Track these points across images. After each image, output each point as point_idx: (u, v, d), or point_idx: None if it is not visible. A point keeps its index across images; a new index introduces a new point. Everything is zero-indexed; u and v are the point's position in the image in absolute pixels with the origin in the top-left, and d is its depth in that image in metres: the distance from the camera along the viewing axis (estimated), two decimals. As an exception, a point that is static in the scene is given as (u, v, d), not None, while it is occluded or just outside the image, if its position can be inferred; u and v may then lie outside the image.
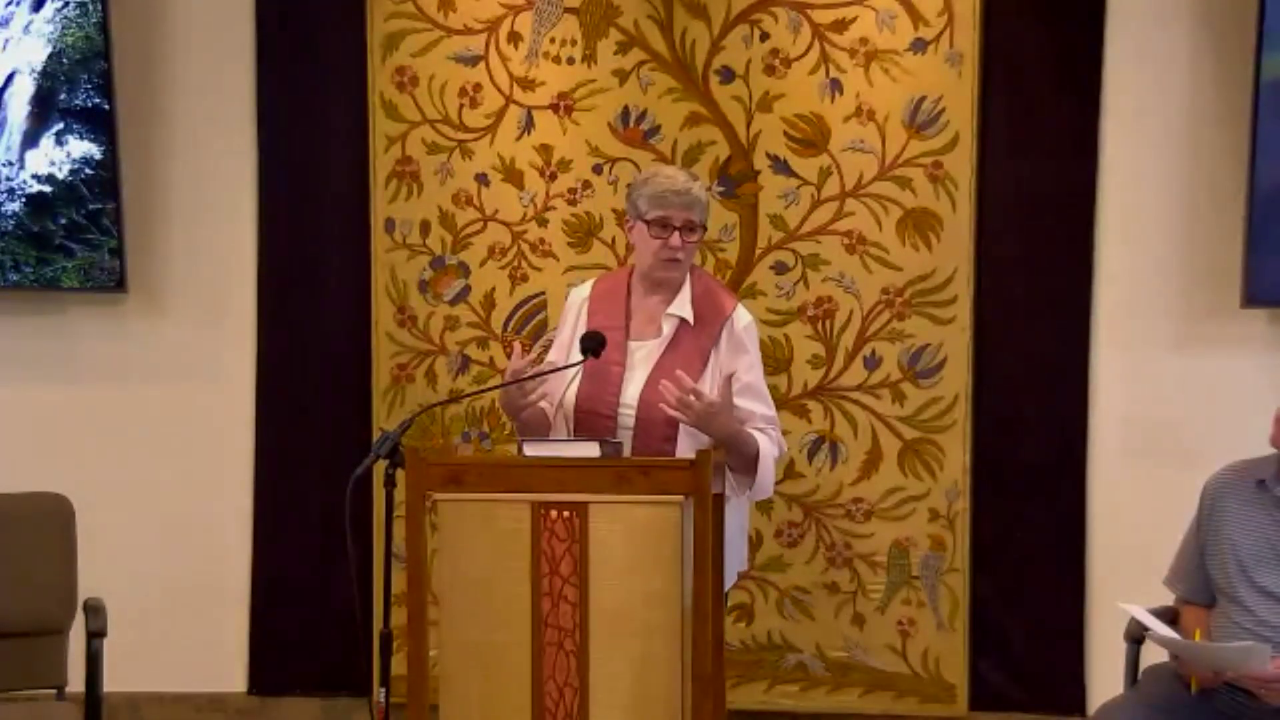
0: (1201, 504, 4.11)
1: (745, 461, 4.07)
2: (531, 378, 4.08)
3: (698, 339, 4.14)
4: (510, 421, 4.27)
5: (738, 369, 4.09)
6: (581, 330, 4.16)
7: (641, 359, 4.12)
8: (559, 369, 4.10)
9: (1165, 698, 3.95)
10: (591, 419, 4.07)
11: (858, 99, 5.19)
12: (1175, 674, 3.98)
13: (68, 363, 5.49)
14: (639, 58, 5.27)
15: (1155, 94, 5.14)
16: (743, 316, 4.21)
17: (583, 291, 4.29)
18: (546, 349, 4.41)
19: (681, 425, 4.03)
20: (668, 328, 4.15)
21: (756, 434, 4.10)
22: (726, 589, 4.11)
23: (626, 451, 4.02)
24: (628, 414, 4.08)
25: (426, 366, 5.40)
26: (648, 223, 4.12)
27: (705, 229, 4.23)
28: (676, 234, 4.11)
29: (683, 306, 4.15)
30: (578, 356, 4.09)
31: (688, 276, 4.19)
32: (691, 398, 3.93)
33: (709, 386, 4.07)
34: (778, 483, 5.22)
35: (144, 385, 5.48)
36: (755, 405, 4.13)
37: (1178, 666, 3.97)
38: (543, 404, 4.15)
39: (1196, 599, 4.10)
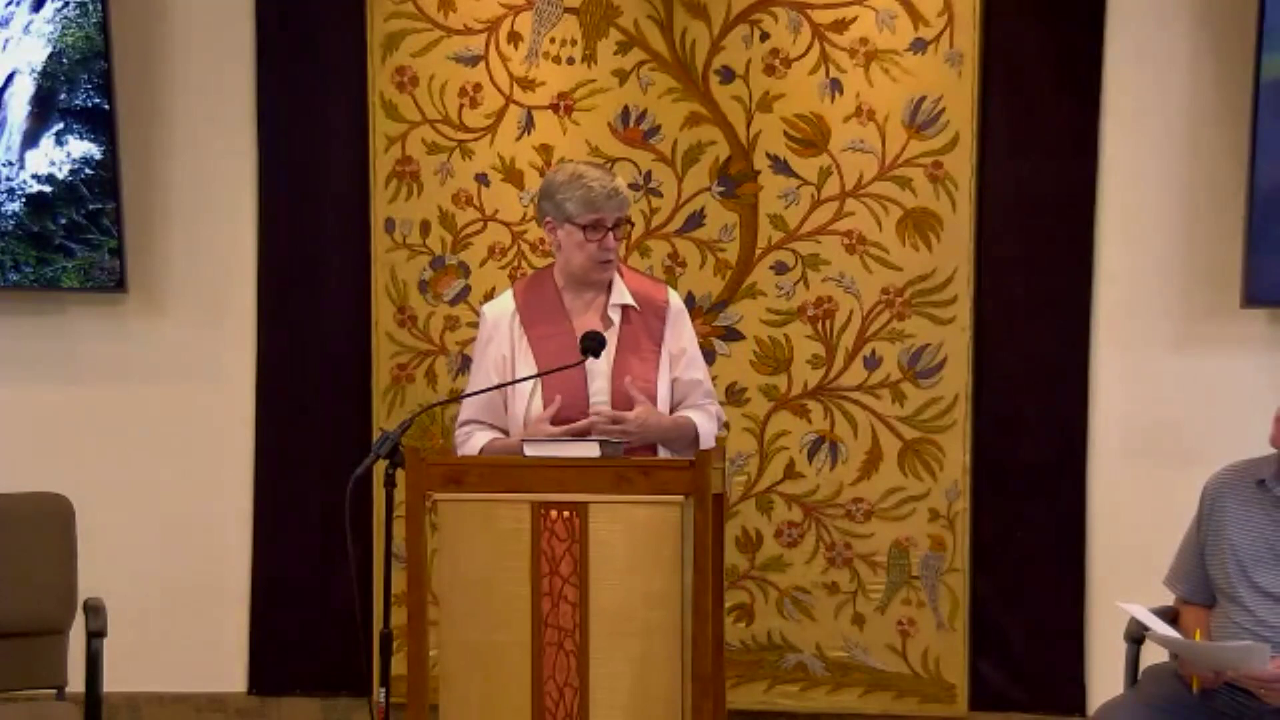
0: (1201, 504, 4.11)
1: (687, 443, 4.14)
2: (500, 386, 4.10)
3: (646, 324, 4.19)
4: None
5: (684, 346, 4.20)
6: (521, 344, 4.15)
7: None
8: (560, 369, 4.09)
9: (1165, 698, 3.94)
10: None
11: (858, 99, 5.19)
12: (1176, 674, 3.98)
13: (68, 363, 5.49)
14: (639, 58, 5.27)
15: (1155, 94, 5.14)
16: (675, 298, 4.31)
17: (505, 305, 4.25)
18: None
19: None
20: (615, 318, 4.18)
21: (693, 413, 4.19)
22: None
23: None
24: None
25: (426, 366, 5.40)
26: (581, 226, 4.13)
27: (631, 222, 4.37)
28: (610, 234, 4.13)
29: (624, 295, 4.20)
30: (530, 372, 4.10)
31: None
32: (620, 425, 4.00)
33: (666, 366, 4.17)
34: (778, 482, 5.24)
35: (144, 385, 5.48)
36: (698, 379, 4.24)
37: (1178, 667, 3.97)
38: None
39: (1197, 599, 4.10)
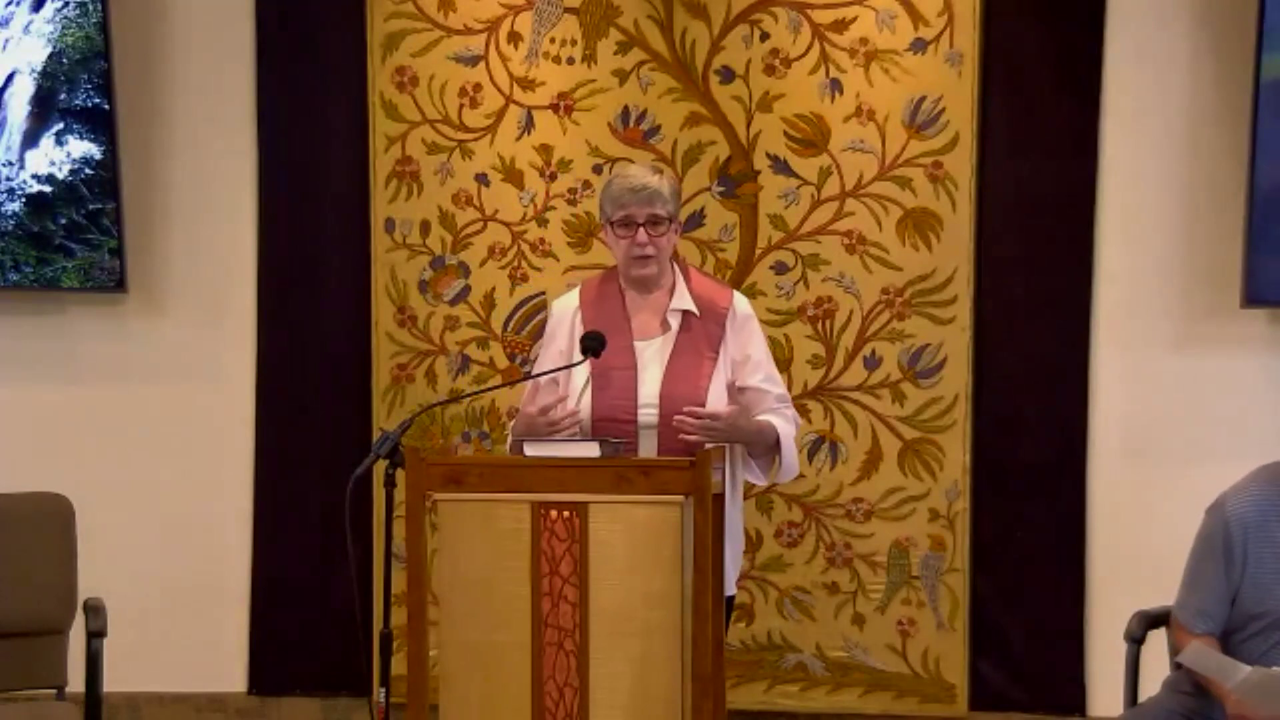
0: (1229, 537, 3.90)
1: (768, 448, 4.09)
2: (528, 377, 4.09)
3: (706, 329, 4.12)
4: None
5: (750, 353, 4.11)
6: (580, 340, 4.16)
7: (651, 357, 4.10)
8: (561, 369, 4.09)
9: (1195, 713, 3.92)
10: (610, 426, 4.04)
11: (858, 99, 5.19)
12: (1194, 684, 3.90)
13: (68, 363, 5.49)
14: (639, 58, 5.27)
15: (1155, 94, 5.15)
16: (742, 303, 4.20)
17: (571, 301, 4.24)
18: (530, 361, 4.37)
19: None
20: (674, 322, 4.13)
21: (772, 417, 4.10)
22: (727, 594, 4.11)
23: (653, 449, 4.00)
24: (649, 413, 4.05)
25: (426, 366, 5.40)
26: (613, 224, 4.12)
27: (675, 220, 4.15)
28: (641, 230, 4.09)
29: (685, 300, 4.13)
30: (577, 358, 4.09)
31: (678, 272, 4.18)
32: (709, 421, 3.94)
33: (723, 375, 4.08)
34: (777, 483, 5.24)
35: (144, 385, 5.48)
36: (769, 385, 4.15)
37: (1229, 714, 3.81)
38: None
39: (1218, 632, 3.96)
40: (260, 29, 5.44)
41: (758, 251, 5.27)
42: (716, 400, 4.07)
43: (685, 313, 4.13)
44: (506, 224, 5.36)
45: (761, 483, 4.18)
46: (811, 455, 5.25)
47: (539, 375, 4.13)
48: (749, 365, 4.11)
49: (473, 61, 5.33)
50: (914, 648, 5.24)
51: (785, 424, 4.13)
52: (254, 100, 5.46)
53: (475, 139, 5.35)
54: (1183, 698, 3.98)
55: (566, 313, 4.21)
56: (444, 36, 5.34)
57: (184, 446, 5.48)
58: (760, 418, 4.10)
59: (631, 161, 5.04)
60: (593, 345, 4.01)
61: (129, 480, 5.43)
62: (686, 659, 3.74)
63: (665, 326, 4.13)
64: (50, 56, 5.28)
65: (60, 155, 5.32)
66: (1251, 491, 3.95)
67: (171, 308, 5.50)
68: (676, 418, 3.97)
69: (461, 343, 5.38)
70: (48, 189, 5.34)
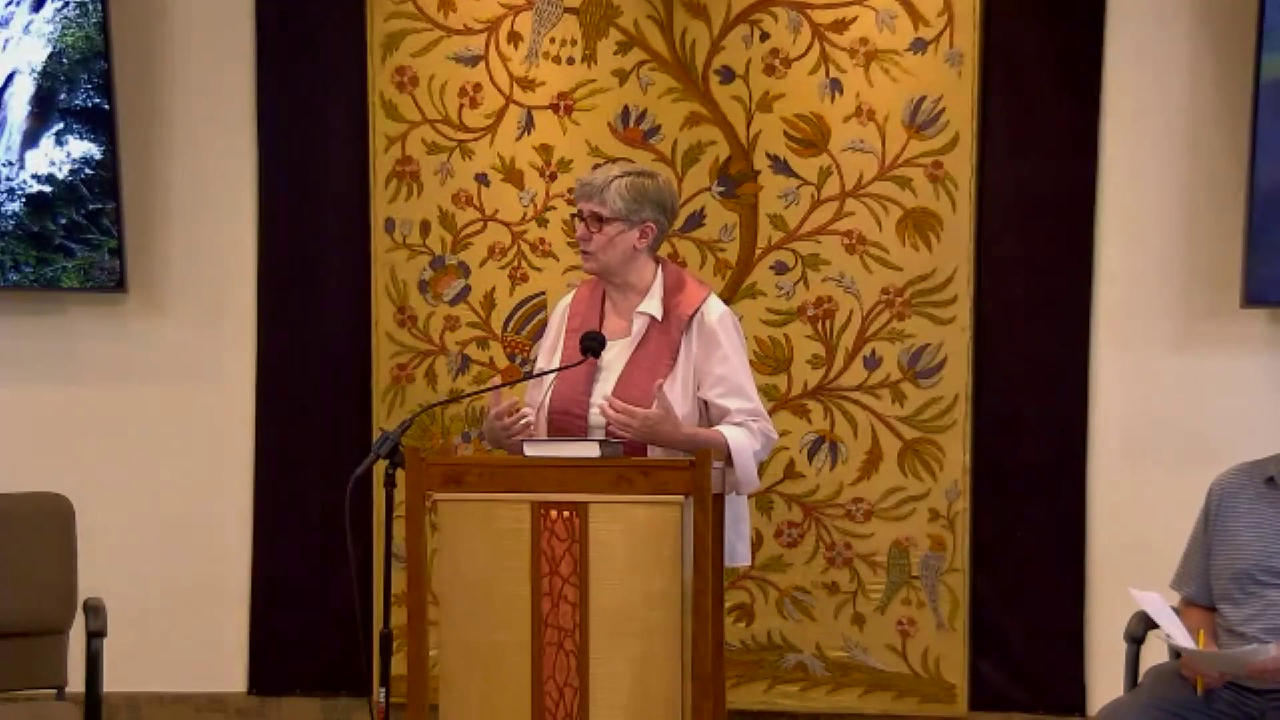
0: (1208, 504, 4.10)
1: (725, 458, 3.99)
2: (520, 380, 4.11)
3: (667, 334, 4.08)
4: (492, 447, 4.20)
5: (713, 367, 4.04)
6: (564, 336, 4.17)
7: (613, 358, 4.09)
8: (563, 368, 4.10)
9: (1169, 699, 3.93)
10: (564, 419, 4.07)
11: (858, 99, 5.19)
12: (1179, 674, 3.96)
13: (68, 363, 5.49)
14: (639, 58, 5.27)
15: (1155, 94, 5.15)
16: (714, 308, 4.13)
17: (566, 300, 4.29)
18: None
19: None
20: (638, 325, 4.12)
21: (731, 428, 4.01)
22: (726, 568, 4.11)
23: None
24: (599, 413, 4.07)
25: (426, 366, 5.40)
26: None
27: (628, 221, 4.07)
28: (581, 225, 4.11)
29: (651, 303, 4.11)
30: (558, 361, 4.12)
31: (659, 275, 4.17)
32: (625, 418, 3.90)
33: (680, 381, 4.04)
34: (778, 482, 5.24)
35: (144, 385, 5.48)
36: (730, 401, 4.04)
37: (1181, 667, 3.96)
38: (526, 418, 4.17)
39: (1202, 600, 4.08)
40: (260, 29, 5.44)
41: (758, 251, 5.27)
42: (670, 403, 4.01)
43: (651, 317, 4.12)
44: (506, 224, 5.36)
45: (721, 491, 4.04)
46: (811, 455, 5.25)
47: (542, 374, 4.14)
48: (710, 379, 4.04)
49: (473, 61, 5.33)
50: (914, 648, 5.24)
51: (745, 436, 4.01)
52: (254, 100, 5.46)
53: (475, 139, 5.35)
54: (1162, 686, 4.00)
55: (559, 310, 4.28)
56: (444, 36, 5.34)
57: (184, 446, 5.48)
58: (721, 427, 4.01)
59: (664, 163, 5.14)
60: (592, 346, 4.03)
61: (129, 480, 5.43)
62: (686, 659, 3.74)
63: (631, 328, 4.13)
64: (50, 56, 5.28)
65: (60, 155, 5.32)
66: (1236, 468, 4.11)
67: (171, 308, 5.50)
68: (599, 404, 3.97)
69: (461, 343, 5.38)
70: (48, 189, 5.34)
